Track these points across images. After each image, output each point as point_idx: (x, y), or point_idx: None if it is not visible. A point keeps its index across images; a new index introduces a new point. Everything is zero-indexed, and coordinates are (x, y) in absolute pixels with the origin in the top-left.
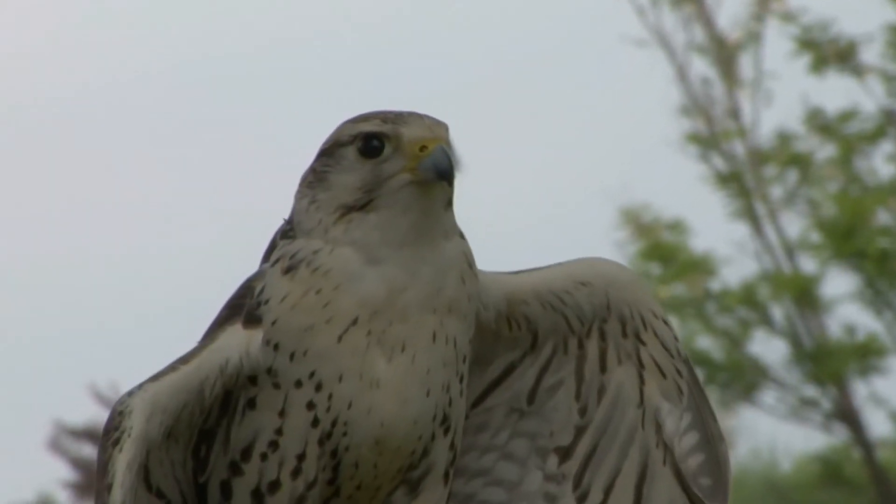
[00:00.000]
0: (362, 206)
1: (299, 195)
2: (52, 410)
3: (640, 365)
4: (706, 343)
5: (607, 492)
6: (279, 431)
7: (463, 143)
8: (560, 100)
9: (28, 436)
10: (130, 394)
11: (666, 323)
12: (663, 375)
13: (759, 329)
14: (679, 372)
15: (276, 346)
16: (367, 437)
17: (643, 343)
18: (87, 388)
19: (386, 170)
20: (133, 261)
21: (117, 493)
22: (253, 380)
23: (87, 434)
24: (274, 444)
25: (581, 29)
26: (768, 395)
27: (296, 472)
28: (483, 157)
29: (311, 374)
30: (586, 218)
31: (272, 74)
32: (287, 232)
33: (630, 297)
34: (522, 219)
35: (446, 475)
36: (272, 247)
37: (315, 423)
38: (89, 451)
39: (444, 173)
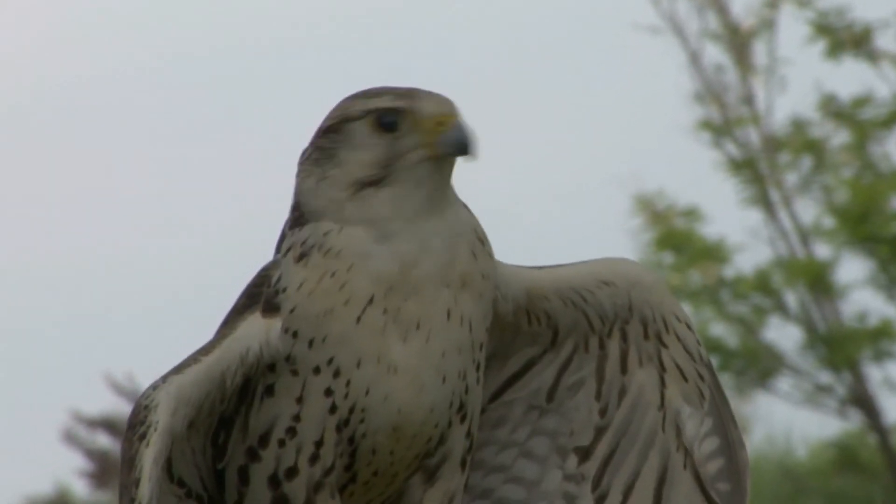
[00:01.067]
0: (377, 181)
1: (303, 174)
2: (68, 401)
3: (662, 368)
4: (720, 330)
5: (626, 494)
6: (297, 418)
7: (474, 129)
8: (573, 87)
9: (44, 427)
10: (155, 387)
11: (689, 327)
12: (685, 379)
13: (773, 315)
14: (701, 376)
15: (294, 334)
16: (384, 423)
17: (665, 346)
18: (104, 378)
19: (402, 145)
20: (146, 252)
21: (145, 488)
22: (271, 367)
23: (103, 424)
24: (292, 431)
25: (594, 16)
26: (783, 382)
27: (313, 459)
28: (495, 144)
29: (330, 361)
30: (599, 205)
31: (276, 69)
32: (296, 219)
33: (653, 299)
34: (534, 206)
35: (463, 463)
36: (282, 238)
37: (333, 409)
38: (105, 441)
39: (464, 148)
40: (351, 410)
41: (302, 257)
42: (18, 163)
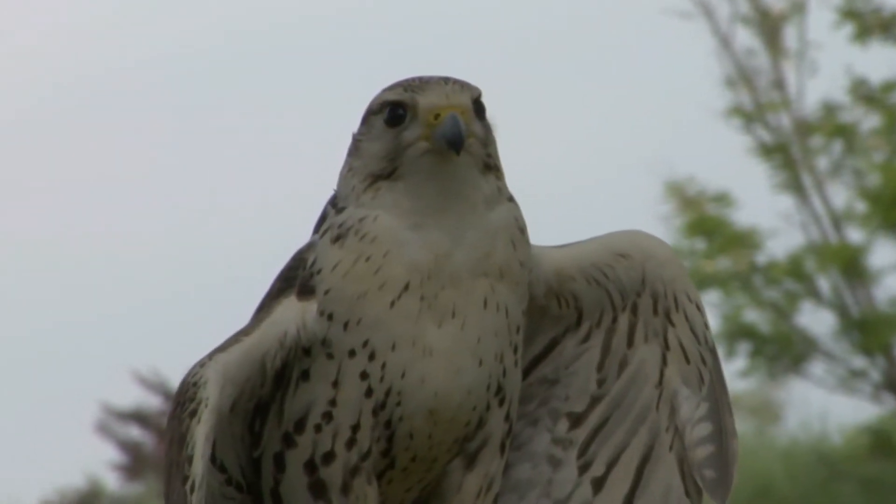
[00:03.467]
0: (388, 174)
1: (343, 164)
2: (98, 395)
3: (666, 346)
4: (753, 316)
5: (610, 466)
6: (333, 402)
7: (503, 111)
8: (604, 72)
9: (75, 420)
10: (202, 364)
11: (699, 308)
12: (687, 360)
13: (806, 301)
14: (704, 360)
15: (330, 316)
16: (420, 406)
17: (672, 324)
18: (130, 372)
19: (405, 138)
20: (176, 246)
21: (198, 465)
22: (307, 351)
23: (133, 417)
24: (328, 416)
25: (625, 1)
26: (817, 367)
27: (350, 443)
28: (526, 128)
29: (365, 343)
30: (629, 190)
31: (300, 53)
32: (335, 201)
33: (666, 274)
34: (564, 190)
35: (502, 447)
36: (323, 217)
37: (369, 393)
38: (136, 433)
39: (452, 142)
40: (387, 394)
41: (338, 239)
42: (45, 156)
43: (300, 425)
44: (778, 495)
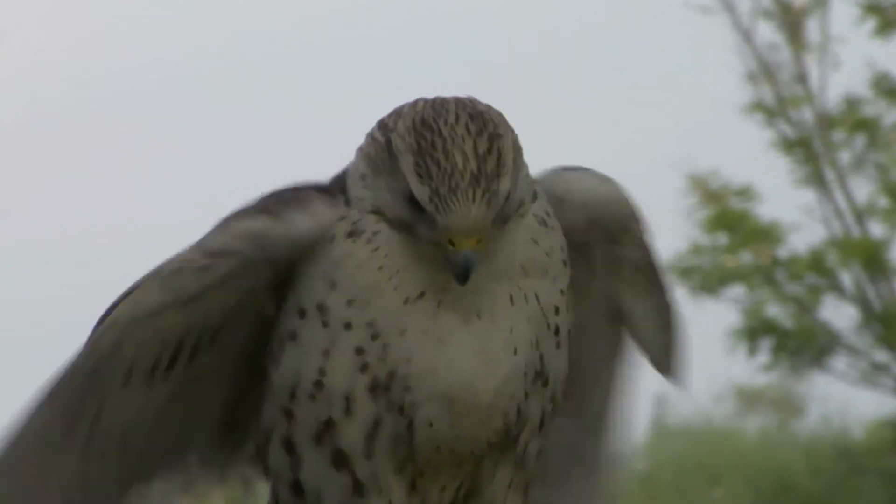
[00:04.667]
0: (397, 228)
1: (358, 158)
2: None
3: (618, 264)
4: (776, 311)
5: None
6: (322, 371)
7: (524, 105)
8: (625, 65)
9: None
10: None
11: (640, 224)
12: (636, 271)
13: (828, 295)
14: (645, 267)
15: (332, 285)
16: (435, 395)
17: (622, 245)
18: None
19: (422, 229)
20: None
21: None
22: (302, 313)
23: None
24: (319, 385)
25: None
26: (839, 361)
27: (348, 412)
28: (547, 122)
29: (371, 323)
30: (651, 183)
31: (306, 51)
32: (348, 194)
33: (610, 208)
34: None
35: (541, 426)
36: (342, 184)
37: (364, 368)
38: None
39: (458, 279)
40: (391, 377)
41: (351, 235)
42: (71, 151)
43: (293, 395)
44: (800, 489)
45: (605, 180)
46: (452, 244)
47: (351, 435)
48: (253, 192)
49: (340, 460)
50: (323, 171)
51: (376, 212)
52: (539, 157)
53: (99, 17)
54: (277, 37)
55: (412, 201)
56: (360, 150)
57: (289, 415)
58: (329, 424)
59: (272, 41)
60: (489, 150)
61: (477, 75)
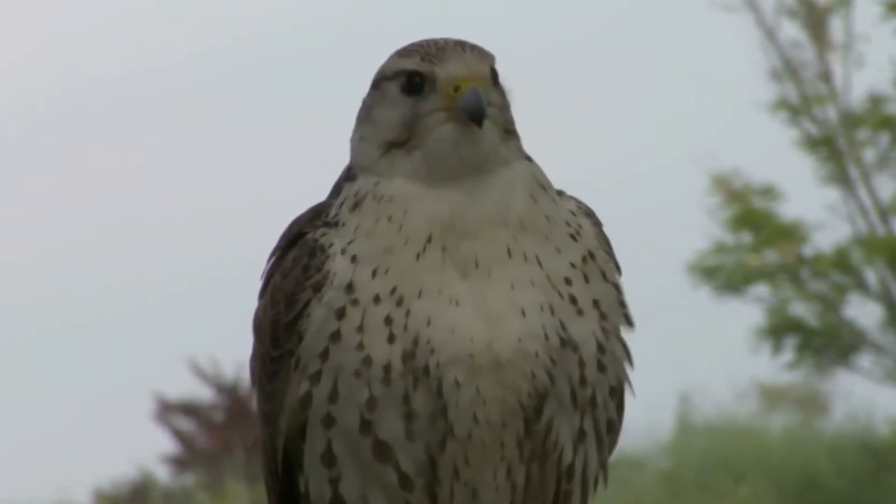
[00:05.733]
0: (403, 142)
1: (354, 130)
2: (152, 386)
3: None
4: (801, 309)
5: None
6: (361, 346)
7: (549, 103)
8: (650, 63)
9: (127, 412)
10: (322, 231)
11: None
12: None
13: (853, 293)
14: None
15: (354, 258)
16: (457, 353)
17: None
18: (189, 361)
19: (424, 108)
20: (232, 238)
21: (315, 343)
22: (340, 312)
23: (185, 409)
24: (367, 361)
25: None
26: (864, 359)
27: (386, 382)
28: (571, 119)
29: (393, 290)
30: (675, 182)
31: (308, 51)
32: (349, 172)
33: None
34: (610, 182)
35: (593, 402)
36: (337, 189)
37: (391, 338)
38: (187, 425)
39: (474, 115)
40: (415, 342)
41: (356, 206)
42: (89, 147)
43: (335, 392)
44: (825, 487)
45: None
46: (457, 91)
47: (391, 419)
48: (252, 193)
49: (383, 452)
50: (322, 172)
51: (385, 143)
52: (563, 156)
53: (103, 21)
54: (276, 39)
55: (406, 89)
56: (353, 132)
57: (329, 423)
58: (370, 405)
59: (271, 44)
60: (479, 51)
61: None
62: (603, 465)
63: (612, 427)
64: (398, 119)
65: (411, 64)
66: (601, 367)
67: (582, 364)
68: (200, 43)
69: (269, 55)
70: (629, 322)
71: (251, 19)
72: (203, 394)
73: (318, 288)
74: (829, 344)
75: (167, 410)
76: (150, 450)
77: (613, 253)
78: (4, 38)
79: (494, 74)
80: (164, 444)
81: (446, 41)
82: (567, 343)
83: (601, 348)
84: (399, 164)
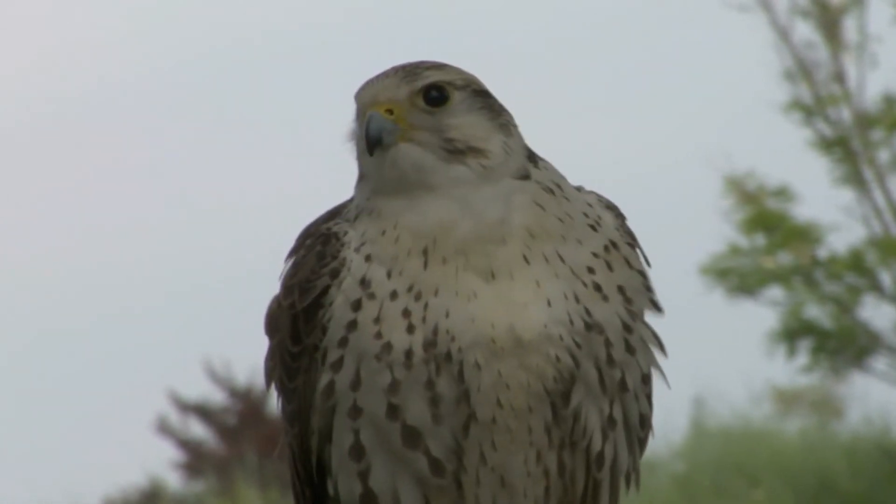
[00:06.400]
0: (361, 172)
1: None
2: (165, 388)
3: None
4: (815, 311)
5: None
6: (379, 335)
7: (563, 103)
8: (663, 63)
9: (138, 418)
10: (336, 222)
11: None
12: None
13: (868, 295)
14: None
15: (368, 258)
16: (477, 338)
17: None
18: (203, 364)
19: (356, 135)
20: (246, 241)
21: (337, 333)
22: (356, 304)
23: (197, 411)
24: (388, 347)
25: None
26: (879, 361)
27: (408, 366)
28: (584, 120)
29: (410, 288)
30: (688, 183)
31: (301, 56)
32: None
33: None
34: (623, 182)
35: (623, 384)
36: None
37: (410, 329)
38: (198, 430)
39: (368, 145)
40: (435, 332)
41: (357, 217)
42: (104, 149)
43: (357, 379)
44: (841, 490)
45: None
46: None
47: (417, 404)
48: (266, 197)
49: (412, 437)
50: (323, 176)
51: (361, 177)
52: (578, 156)
53: (105, 23)
54: (278, 40)
55: (356, 115)
56: None
57: (355, 413)
58: (393, 389)
59: (274, 44)
60: (417, 64)
61: (511, 73)
62: (634, 465)
63: (645, 422)
64: (353, 149)
65: (356, 92)
66: (629, 349)
67: (608, 344)
68: (204, 44)
69: (274, 55)
70: (657, 307)
71: (251, 19)
72: (216, 398)
73: (335, 274)
74: (844, 346)
75: (179, 412)
76: (160, 456)
77: (639, 244)
78: (8, 38)
79: (437, 95)
80: (175, 450)
81: (389, 68)
82: (592, 327)
83: (627, 328)
84: (361, 192)
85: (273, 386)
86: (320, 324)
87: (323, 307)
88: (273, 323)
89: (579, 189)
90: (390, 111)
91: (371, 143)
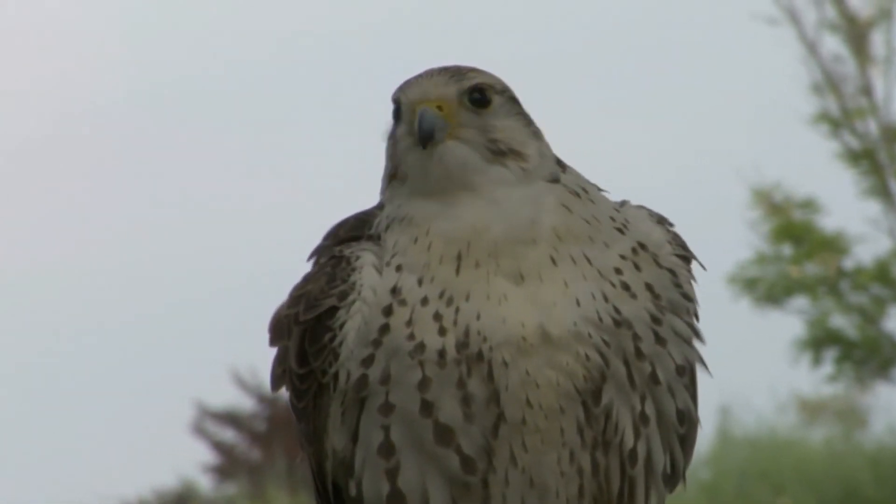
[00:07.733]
0: (394, 173)
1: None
2: (194, 395)
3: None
4: (841, 321)
5: None
6: (412, 336)
7: (590, 114)
8: (691, 75)
9: (169, 422)
10: (348, 245)
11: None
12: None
13: (893, 306)
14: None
15: (398, 268)
16: (509, 335)
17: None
18: (230, 371)
19: (398, 135)
20: (274, 248)
21: (351, 358)
22: (387, 310)
23: (227, 418)
24: (421, 347)
25: (712, 5)
26: None
27: (441, 365)
28: (612, 131)
29: (441, 294)
30: (716, 195)
31: (310, 65)
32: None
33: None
34: (649, 193)
35: (653, 377)
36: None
37: (442, 332)
38: (229, 435)
39: (420, 137)
40: (466, 334)
41: (388, 227)
42: (128, 161)
43: (387, 375)
44: (865, 499)
45: (661, 220)
46: (414, 115)
47: (449, 403)
48: (291, 207)
49: (445, 435)
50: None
51: (387, 177)
52: (606, 166)
53: (117, 30)
54: (294, 47)
55: (394, 116)
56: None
57: (387, 410)
58: (424, 386)
59: (291, 51)
60: (458, 66)
61: (532, 87)
62: (674, 463)
63: (686, 419)
64: (389, 150)
65: (394, 92)
66: (659, 340)
67: (637, 338)
68: (207, 55)
69: (295, 62)
70: (688, 299)
71: (253, 27)
72: (245, 404)
73: (343, 297)
74: (869, 356)
75: (209, 419)
76: (192, 459)
77: (694, 256)
78: (13, 52)
79: (480, 96)
80: (206, 453)
81: (429, 69)
82: (621, 324)
83: (655, 320)
84: (398, 193)
85: (281, 390)
86: (329, 347)
87: (331, 330)
88: (277, 330)
89: (623, 203)
90: (440, 108)
91: (424, 137)
